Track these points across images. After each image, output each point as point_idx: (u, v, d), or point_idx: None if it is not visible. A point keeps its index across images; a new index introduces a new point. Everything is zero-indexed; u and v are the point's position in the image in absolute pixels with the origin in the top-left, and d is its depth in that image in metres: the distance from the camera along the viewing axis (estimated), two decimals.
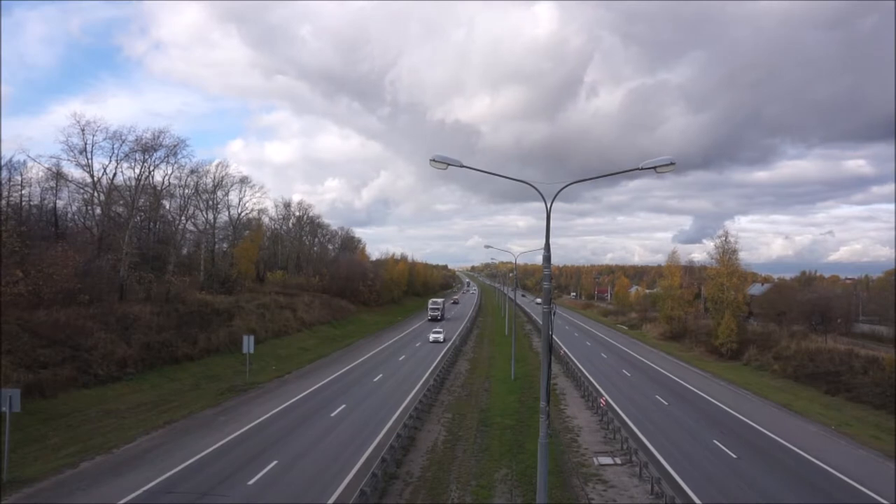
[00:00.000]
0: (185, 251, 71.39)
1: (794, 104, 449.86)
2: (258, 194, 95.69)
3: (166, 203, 65.65)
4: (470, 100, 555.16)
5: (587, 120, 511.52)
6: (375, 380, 44.34)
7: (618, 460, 26.66)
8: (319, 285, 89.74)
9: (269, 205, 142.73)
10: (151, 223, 65.59)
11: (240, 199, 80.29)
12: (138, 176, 56.46)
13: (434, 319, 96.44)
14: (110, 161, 53.87)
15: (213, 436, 28.08)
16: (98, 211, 56.27)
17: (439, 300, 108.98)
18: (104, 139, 53.11)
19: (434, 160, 15.65)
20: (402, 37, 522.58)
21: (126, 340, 38.99)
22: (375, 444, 27.58)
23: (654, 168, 14.59)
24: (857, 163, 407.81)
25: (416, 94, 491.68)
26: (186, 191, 67.10)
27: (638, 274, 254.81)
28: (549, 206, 16.19)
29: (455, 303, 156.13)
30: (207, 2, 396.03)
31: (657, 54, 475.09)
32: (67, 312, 37.90)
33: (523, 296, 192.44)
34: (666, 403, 39.49)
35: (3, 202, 49.24)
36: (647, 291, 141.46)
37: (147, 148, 55.44)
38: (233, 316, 54.72)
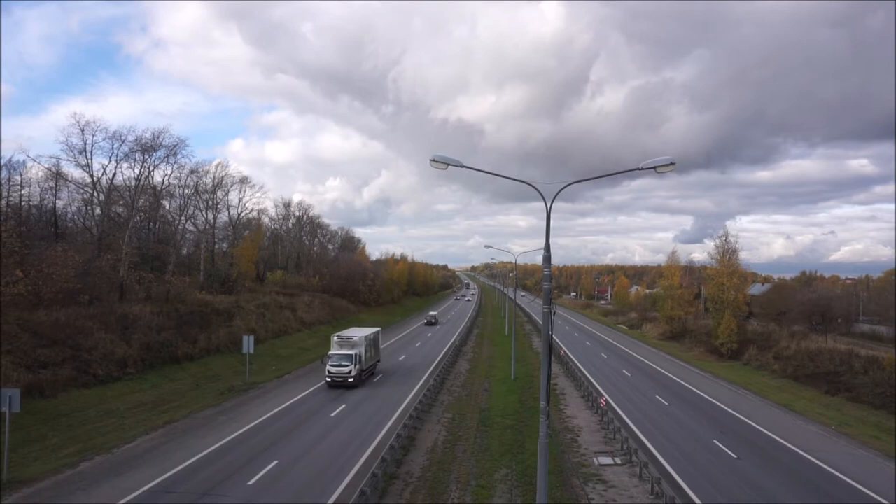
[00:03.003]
0: (185, 251, 71.33)
1: (797, 103, 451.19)
2: (258, 194, 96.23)
3: (166, 203, 65.62)
4: (474, 98, 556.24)
5: (591, 119, 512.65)
6: (375, 380, 44.34)
7: (618, 460, 26.65)
8: (319, 285, 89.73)
9: (269, 205, 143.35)
10: (151, 223, 65.58)
11: (240, 199, 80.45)
12: (138, 176, 56.49)
13: (338, 384, 39.63)
14: (110, 161, 53.86)
15: (213, 436, 28.09)
16: (98, 211, 56.21)
17: (357, 336, 42.78)
18: (104, 139, 53.11)
19: (434, 160, 15.65)
20: (406, 34, 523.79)
21: (126, 340, 38.98)
22: (375, 444, 27.59)
23: (654, 168, 14.64)
24: (859, 162, 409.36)
25: (419, 92, 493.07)
26: (186, 191, 66.96)
27: (638, 274, 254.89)
28: (549, 207, 16.20)
29: (430, 323, 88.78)
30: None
31: (662, 53, 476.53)
32: (67, 312, 37.88)
33: (523, 295, 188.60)
34: (666, 403, 39.49)
35: (3, 202, 49.25)
36: (648, 291, 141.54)
37: (147, 148, 55.42)
38: (233, 316, 54.73)
